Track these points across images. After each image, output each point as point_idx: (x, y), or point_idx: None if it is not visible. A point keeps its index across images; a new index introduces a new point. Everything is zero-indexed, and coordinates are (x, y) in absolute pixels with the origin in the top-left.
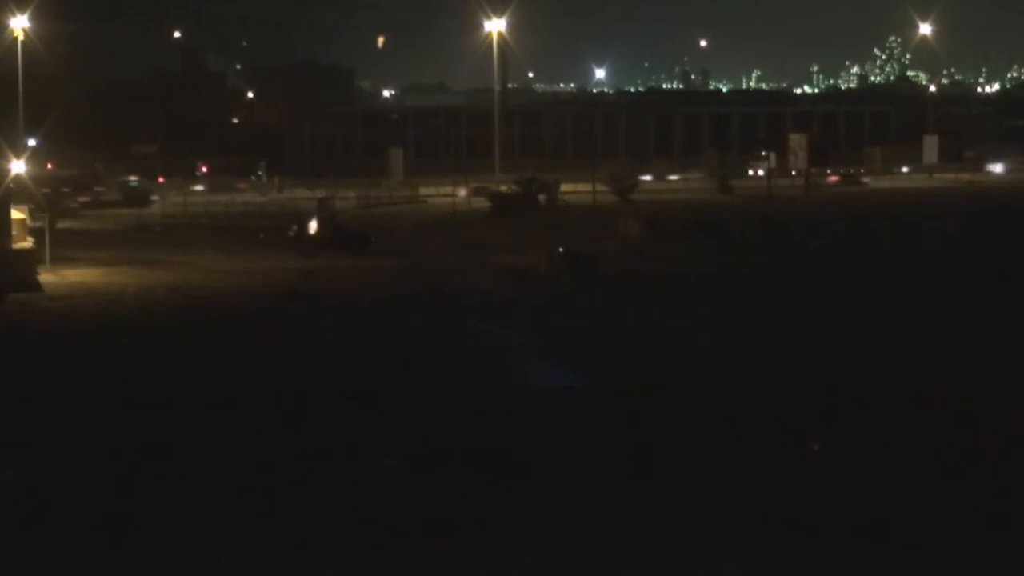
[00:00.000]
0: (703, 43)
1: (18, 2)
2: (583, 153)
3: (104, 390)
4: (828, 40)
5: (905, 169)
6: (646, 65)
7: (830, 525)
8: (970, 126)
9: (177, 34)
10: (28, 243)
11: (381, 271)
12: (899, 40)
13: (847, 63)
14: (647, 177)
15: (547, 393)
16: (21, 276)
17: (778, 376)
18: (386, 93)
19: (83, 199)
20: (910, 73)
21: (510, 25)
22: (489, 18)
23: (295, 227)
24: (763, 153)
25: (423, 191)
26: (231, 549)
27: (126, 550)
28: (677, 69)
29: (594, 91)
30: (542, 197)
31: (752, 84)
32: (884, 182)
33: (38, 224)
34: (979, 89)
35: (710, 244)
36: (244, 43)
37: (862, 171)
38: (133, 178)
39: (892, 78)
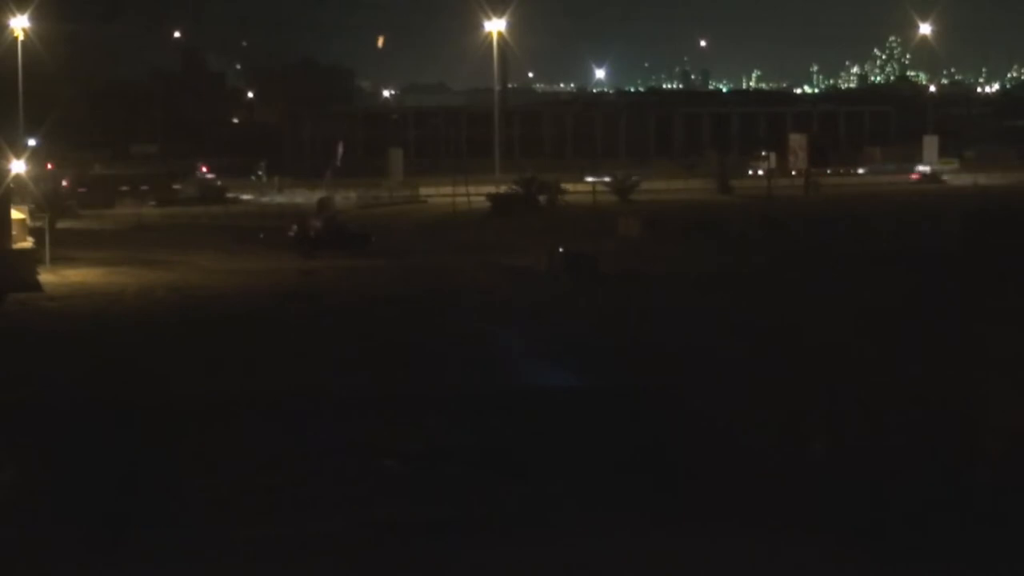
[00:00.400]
0: (703, 43)
1: (18, 2)
2: (583, 153)
3: (104, 390)
4: (828, 40)
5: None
6: (646, 65)
7: (830, 525)
8: (970, 126)
9: (177, 34)
10: (28, 243)
11: (381, 271)
12: (899, 40)
13: (847, 63)
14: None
15: (547, 393)
16: (21, 276)
17: (778, 376)
18: (386, 93)
19: (164, 196)
20: (910, 73)
21: (510, 25)
22: (489, 18)
23: (295, 227)
24: (763, 153)
25: (423, 191)
26: (231, 549)
27: (126, 550)
28: (677, 69)
29: (594, 91)
30: (542, 197)
31: (752, 84)
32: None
33: (38, 224)
34: (979, 89)
35: (710, 244)
36: (244, 43)
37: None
38: (209, 173)
39: (892, 78)
